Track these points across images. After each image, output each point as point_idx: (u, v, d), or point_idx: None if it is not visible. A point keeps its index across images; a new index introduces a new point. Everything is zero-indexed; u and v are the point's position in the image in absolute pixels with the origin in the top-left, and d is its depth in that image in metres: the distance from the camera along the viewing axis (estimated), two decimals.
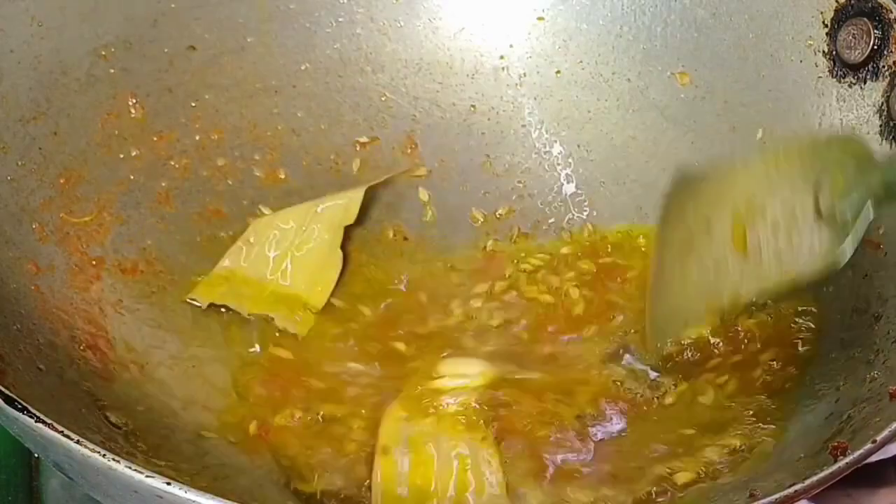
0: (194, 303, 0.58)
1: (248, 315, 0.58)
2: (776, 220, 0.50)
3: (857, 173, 0.48)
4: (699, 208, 0.53)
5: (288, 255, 0.60)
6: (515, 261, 0.63)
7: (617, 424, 0.53)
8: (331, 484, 0.51)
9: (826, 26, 0.57)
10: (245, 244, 0.60)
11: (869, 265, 0.54)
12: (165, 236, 0.60)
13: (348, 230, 0.62)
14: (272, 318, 0.58)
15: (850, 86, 0.56)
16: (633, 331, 0.57)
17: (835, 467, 0.42)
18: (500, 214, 0.65)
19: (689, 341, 0.55)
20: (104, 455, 0.37)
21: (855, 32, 0.55)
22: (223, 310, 0.58)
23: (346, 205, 0.62)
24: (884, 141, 0.55)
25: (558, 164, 0.66)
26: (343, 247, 0.62)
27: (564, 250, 0.63)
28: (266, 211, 0.62)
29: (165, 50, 0.62)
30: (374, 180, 0.64)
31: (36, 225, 0.55)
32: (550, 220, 0.64)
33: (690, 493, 0.49)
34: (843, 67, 0.56)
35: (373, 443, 0.52)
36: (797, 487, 0.41)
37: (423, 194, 0.65)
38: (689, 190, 0.54)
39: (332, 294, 0.60)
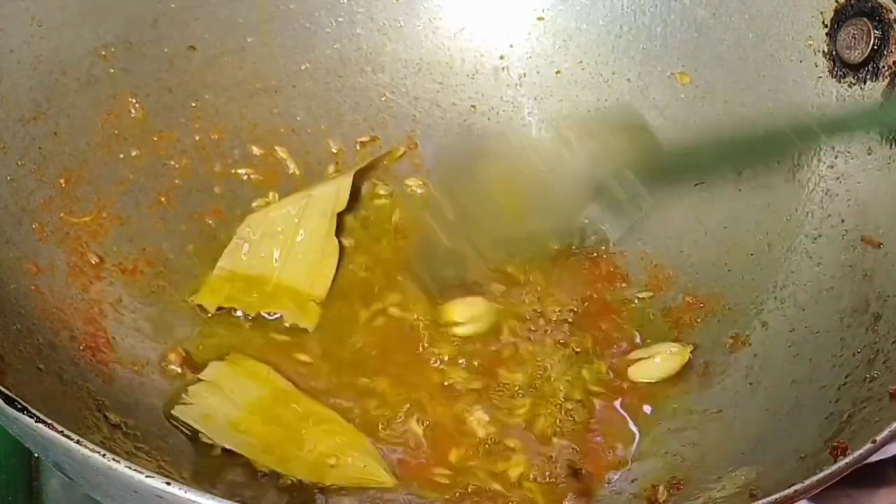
0: (202, 308, 0.58)
1: (256, 315, 0.58)
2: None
3: (640, 158, 0.51)
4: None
5: (286, 247, 0.60)
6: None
7: None
8: None
9: (826, 26, 0.57)
10: (242, 240, 0.60)
11: (869, 265, 0.54)
12: (165, 236, 0.60)
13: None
14: (280, 316, 0.58)
15: (850, 86, 0.56)
16: None
17: (835, 467, 0.42)
18: None
19: None
20: (104, 455, 0.37)
21: (855, 32, 0.55)
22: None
23: (336, 191, 0.62)
24: (884, 141, 0.55)
25: None
26: (337, 236, 0.62)
27: None
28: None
29: (165, 50, 0.62)
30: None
31: (36, 225, 0.55)
32: None
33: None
34: (843, 67, 0.56)
35: None
36: (797, 487, 0.41)
37: None
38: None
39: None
